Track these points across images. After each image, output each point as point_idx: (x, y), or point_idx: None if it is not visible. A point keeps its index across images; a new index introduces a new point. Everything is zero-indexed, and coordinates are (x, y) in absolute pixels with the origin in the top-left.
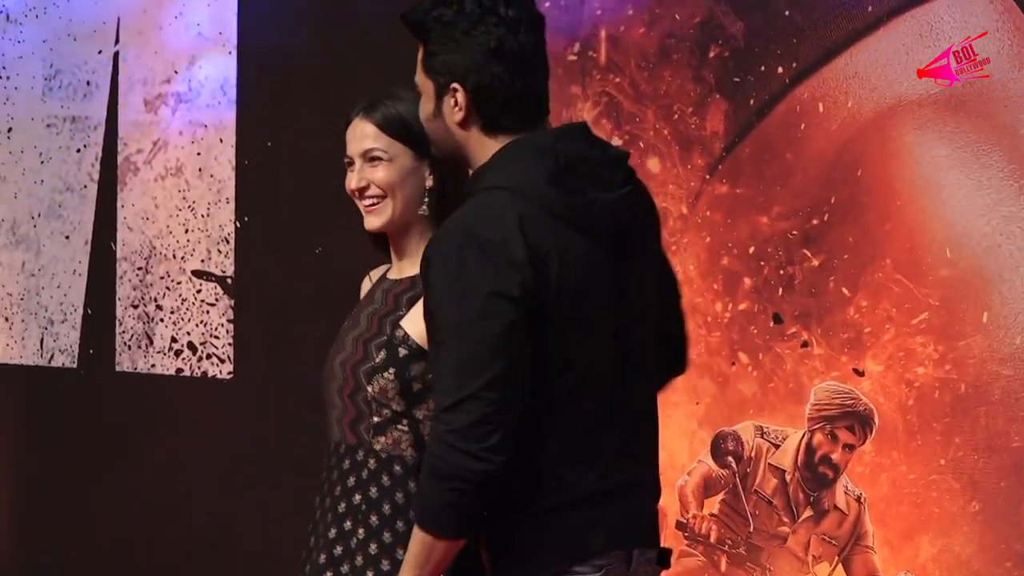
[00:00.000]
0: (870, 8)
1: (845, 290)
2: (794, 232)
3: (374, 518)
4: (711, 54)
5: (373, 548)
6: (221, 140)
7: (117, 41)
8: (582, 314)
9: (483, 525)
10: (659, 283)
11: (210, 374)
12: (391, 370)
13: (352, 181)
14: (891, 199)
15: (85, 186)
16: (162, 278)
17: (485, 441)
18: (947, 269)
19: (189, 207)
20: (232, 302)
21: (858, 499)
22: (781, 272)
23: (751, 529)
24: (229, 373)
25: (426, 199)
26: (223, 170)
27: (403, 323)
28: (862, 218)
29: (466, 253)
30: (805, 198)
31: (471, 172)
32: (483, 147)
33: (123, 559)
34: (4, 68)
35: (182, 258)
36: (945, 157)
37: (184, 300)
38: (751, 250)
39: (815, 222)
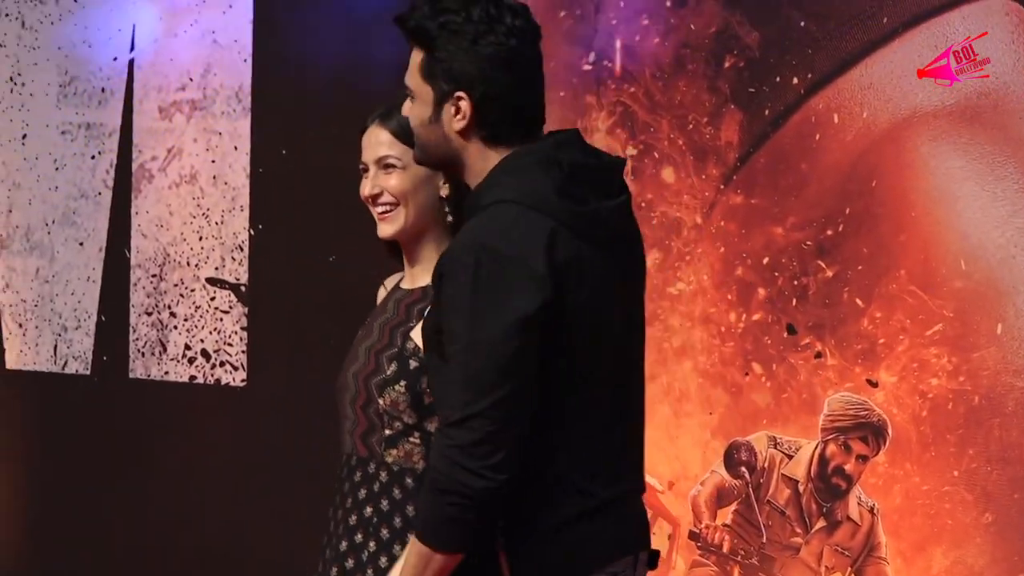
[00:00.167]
0: (885, 19)
1: (859, 301)
2: (808, 243)
3: (385, 531)
4: (726, 64)
5: (384, 561)
6: (236, 148)
7: (132, 48)
8: (594, 325)
9: (483, 541)
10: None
11: (223, 381)
12: (402, 383)
13: (366, 188)
14: (906, 210)
15: (99, 193)
16: (176, 285)
17: (488, 459)
18: (961, 281)
19: (203, 214)
20: (246, 310)
21: (871, 510)
22: (795, 283)
23: (764, 539)
24: (242, 381)
25: (445, 208)
26: (237, 178)
27: (413, 334)
28: (876, 229)
29: (482, 269)
30: (819, 209)
31: (474, 187)
32: (482, 158)
33: (136, 566)
34: (19, 75)
35: (196, 265)
36: (960, 169)
37: (198, 307)
38: (765, 260)
39: (829, 233)
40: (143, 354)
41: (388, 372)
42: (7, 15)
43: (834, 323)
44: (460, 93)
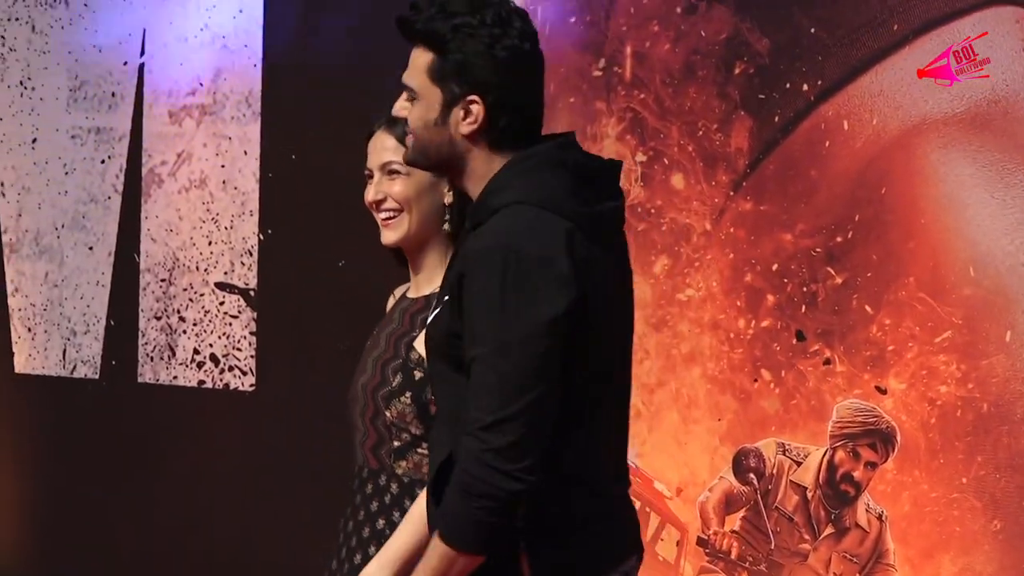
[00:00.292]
0: (896, 26)
1: (868, 308)
2: (818, 249)
3: None
4: (736, 71)
5: None
6: (245, 152)
7: (142, 53)
8: (605, 325)
9: (506, 542)
10: None
11: (232, 386)
12: (408, 394)
13: (370, 193)
14: (915, 217)
15: (109, 197)
16: (185, 290)
17: (521, 462)
18: (970, 288)
19: (213, 219)
20: (255, 314)
21: (880, 517)
22: (804, 289)
23: (772, 546)
24: (251, 385)
25: (446, 216)
26: (247, 182)
27: (416, 344)
28: (886, 236)
29: (509, 270)
30: (829, 216)
31: (473, 190)
32: (487, 162)
33: (144, 570)
34: (29, 79)
35: (205, 270)
36: (970, 176)
37: (207, 312)
38: (774, 267)
39: (839, 240)
40: (152, 358)
41: (393, 384)
42: (17, 19)
43: (843, 330)
44: (473, 97)
